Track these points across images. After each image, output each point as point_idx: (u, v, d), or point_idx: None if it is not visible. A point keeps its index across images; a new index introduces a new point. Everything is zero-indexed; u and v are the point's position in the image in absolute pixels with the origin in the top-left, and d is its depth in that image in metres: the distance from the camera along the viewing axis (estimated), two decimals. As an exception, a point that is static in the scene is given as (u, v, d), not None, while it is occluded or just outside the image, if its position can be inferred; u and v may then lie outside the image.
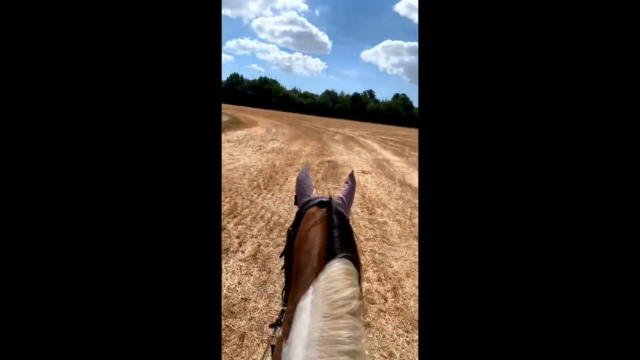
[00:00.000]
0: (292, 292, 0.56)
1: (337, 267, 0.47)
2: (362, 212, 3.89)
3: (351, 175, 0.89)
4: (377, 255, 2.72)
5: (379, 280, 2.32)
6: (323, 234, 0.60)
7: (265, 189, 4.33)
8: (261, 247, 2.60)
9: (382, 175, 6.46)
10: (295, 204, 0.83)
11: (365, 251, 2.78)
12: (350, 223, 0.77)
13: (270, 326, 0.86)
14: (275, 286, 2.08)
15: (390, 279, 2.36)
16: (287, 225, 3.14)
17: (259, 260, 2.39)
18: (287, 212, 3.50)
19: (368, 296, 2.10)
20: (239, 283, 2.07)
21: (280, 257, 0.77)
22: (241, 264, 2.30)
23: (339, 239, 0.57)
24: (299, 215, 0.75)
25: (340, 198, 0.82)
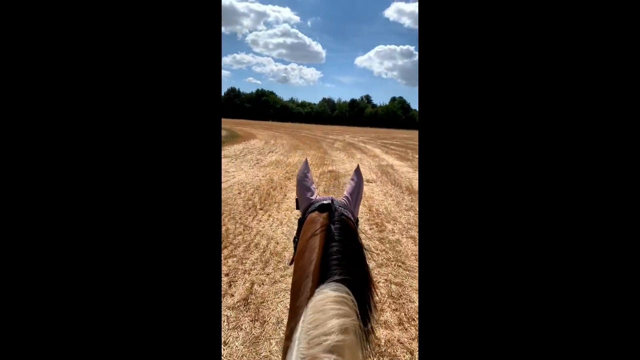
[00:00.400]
0: (289, 314, 0.51)
1: (324, 295, 0.43)
2: (370, 229, 3.46)
3: (357, 171, 0.82)
4: (393, 286, 2.28)
5: (401, 324, 1.88)
6: (320, 249, 0.54)
7: (261, 209, 3.92)
8: (255, 286, 2.17)
9: (387, 183, 6.03)
10: (297, 208, 0.77)
11: (379, 282, 2.34)
12: (359, 230, 0.68)
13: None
14: (271, 344, 1.65)
15: (414, 320, 1.92)
16: (286, 253, 2.72)
17: (251, 306, 1.96)
18: (286, 236, 3.08)
19: (389, 350, 1.65)
20: (224, 343, 1.64)
21: (290, 264, 0.75)
22: (229, 314, 1.87)
23: (336, 256, 0.51)
24: (301, 223, 0.70)
25: (346, 197, 0.76)
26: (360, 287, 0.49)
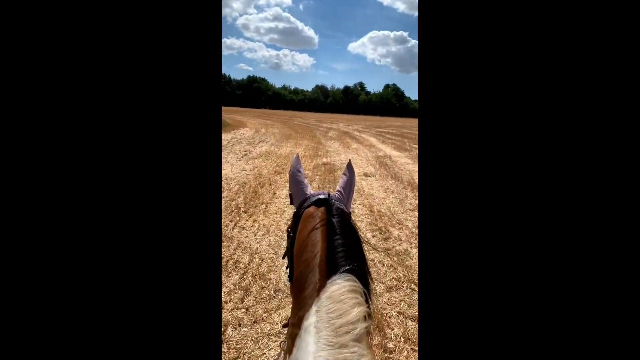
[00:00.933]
0: (295, 305, 0.55)
1: (339, 286, 0.45)
2: (373, 237, 2.94)
3: (349, 166, 0.86)
4: (410, 323, 1.78)
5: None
6: (323, 242, 0.57)
7: (245, 212, 3.36)
8: (228, 330, 1.65)
9: (387, 177, 5.51)
10: (291, 203, 0.80)
11: (390, 316, 1.83)
12: (353, 218, 0.71)
13: (283, 326, 0.85)
14: None
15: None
16: (272, 275, 2.20)
17: (221, 365, 1.43)
18: (274, 249, 2.54)
19: None
20: None
21: (283, 258, 0.76)
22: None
23: (341, 248, 0.54)
24: (297, 217, 0.73)
25: (339, 191, 0.79)
26: (364, 275, 0.51)
